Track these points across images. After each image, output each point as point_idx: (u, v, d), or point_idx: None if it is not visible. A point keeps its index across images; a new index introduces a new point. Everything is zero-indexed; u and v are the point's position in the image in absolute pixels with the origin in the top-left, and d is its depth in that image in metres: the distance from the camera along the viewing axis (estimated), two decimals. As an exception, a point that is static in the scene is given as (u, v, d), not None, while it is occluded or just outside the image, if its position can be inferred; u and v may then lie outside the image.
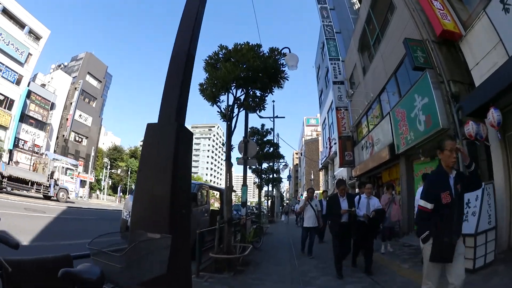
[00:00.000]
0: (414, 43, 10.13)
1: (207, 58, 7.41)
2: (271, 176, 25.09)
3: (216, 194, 12.22)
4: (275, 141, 18.89)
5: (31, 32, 39.20)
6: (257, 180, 15.94)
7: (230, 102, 7.46)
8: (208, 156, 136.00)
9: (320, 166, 36.52)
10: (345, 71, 22.76)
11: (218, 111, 7.55)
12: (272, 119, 19.37)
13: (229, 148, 7.01)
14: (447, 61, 9.23)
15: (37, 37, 40.35)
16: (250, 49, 6.98)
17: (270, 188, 27.17)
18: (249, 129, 15.49)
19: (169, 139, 2.86)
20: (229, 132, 7.21)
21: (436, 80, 9.33)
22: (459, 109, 8.42)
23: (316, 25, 38.80)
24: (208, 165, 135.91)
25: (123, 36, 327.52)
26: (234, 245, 7.62)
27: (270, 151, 15.58)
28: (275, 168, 26.29)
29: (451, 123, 8.81)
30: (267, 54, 7.28)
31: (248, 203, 46.45)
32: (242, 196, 9.06)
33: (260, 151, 14.99)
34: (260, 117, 17.06)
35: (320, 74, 36.97)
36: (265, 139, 15.34)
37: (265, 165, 22.70)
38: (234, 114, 7.46)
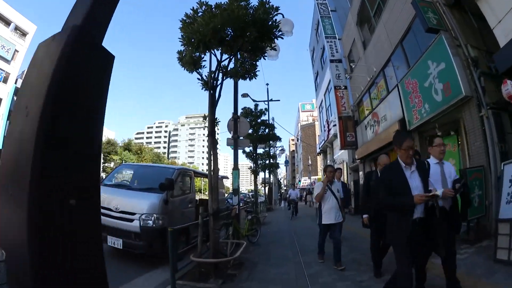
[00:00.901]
0: (424, 3, 8.97)
1: (184, 18, 5.88)
2: (267, 162, 23.78)
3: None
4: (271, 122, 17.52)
5: (17, 28, 38.10)
6: (252, 165, 14.55)
7: (214, 68, 5.99)
8: (203, 146, 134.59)
9: (318, 150, 35.22)
10: (343, 48, 21.48)
11: (198, 79, 6.07)
12: (266, 103, 17.99)
13: (212, 121, 5.57)
14: (460, 25, 8.30)
15: (23, 33, 39.32)
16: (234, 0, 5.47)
17: (267, 175, 25.84)
18: (241, 110, 14.08)
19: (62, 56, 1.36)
20: (212, 102, 5.76)
21: (452, 44, 8.18)
22: (481, 75, 7.51)
23: (310, 5, 37.08)
24: (203, 154, 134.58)
25: (115, 24, 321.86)
26: (224, 241, 6.26)
27: (265, 132, 14.13)
28: (271, 153, 24.94)
29: (473, 90, 7.74)
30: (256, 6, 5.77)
31: (245, 191, 45.28)
32: (234, 182, 7.70)
33: (255, 133, 13.57)
34: (254, 100, 15.71)
35: (315, 56, 35.71)
36: (259, 120, 13.90)
37: (260, 151, 21.41)
38: (219, 83, 5.98)
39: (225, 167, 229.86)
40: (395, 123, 11.80)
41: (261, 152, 23.62)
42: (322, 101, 32.34)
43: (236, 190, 7.58)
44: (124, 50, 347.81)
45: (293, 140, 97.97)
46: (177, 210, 6.61)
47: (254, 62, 6.42)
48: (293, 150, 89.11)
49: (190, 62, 5.88)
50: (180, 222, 6.42)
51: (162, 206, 6.07)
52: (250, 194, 51.87)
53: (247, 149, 14.14)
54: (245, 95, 14.71)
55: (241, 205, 15.07)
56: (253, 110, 14.11)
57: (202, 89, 6.21)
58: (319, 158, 54.91)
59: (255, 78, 6.56)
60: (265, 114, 14.67)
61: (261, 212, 19.38)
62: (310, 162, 53.11)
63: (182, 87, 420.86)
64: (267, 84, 28.26)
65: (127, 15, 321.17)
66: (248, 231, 7.50)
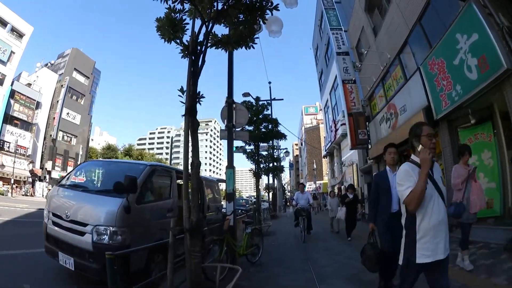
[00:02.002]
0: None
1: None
2: (271, 165, 22.06)
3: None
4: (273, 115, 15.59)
5: (13, 29, 37.92)
6: (253, 167, 12.71)
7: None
8: (206, 152, 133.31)
9: (325, 152, 33.46)
10: (349, 40, 19.96)
11: (177, 43, 4.29)
12: (269, 102, 16.31)
13: (193, 95, 3.87)
14: (486, -8, 7.00)
15: (20, 35, 39.07)
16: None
17: (271, 179, 24.03)
18: (241, 103, 12.36)
19: None
20: (194, 70, 4.01)
21: (483, 12, 6.99)
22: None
23: (312, 4, 35.46)
24: (206, 160, 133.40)
25: (118, 34, 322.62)
26: (211, 265, 4.52)
27: (269, 128, 12.30)
28: (275, 155, 23.18)
29: (514, 62, 6.38)
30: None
31: (246, 197, 43.60)
32: (227, 183, 5.97)
33: (256, 130, 11.85)
34: (256, 100, 14.07)
35: (319, 54, 34.36)
36: (261, 115, 12.16)
37: (263, 153, 19.71)
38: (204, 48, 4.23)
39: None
40: (419, 113, 10.14)
41: (264, 154, 21.95)
42: (327, 100, 30.79)
43: (231, 195, 5.84)
44: (128, 57, 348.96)
45: (296, 144, 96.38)
46: (148, 222, 4.89)
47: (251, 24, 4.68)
48: (297, 155, 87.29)
49: (167, 24, 4.10)
50: (152, 238, 4.76)
51: (122, 215, 4.39)
52: (253, 200, 50.23)
53: (248, 149, 12.48)
54: (246, 94, 13.17)
55: (240, 213, 13.32)
56: (254, 104, 12.40)
57: (182, 57, 4.46)
58: (325, 162, 53.22)
59: (253, 47, 4.82)
60: (267, 109, 12.93)
61: (264, 220, 17.60)
62: (315, 166, 51.21)
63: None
64: (270, 83, 26.62)
65: (130, 22, 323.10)
66: (247, 248, 5.74)
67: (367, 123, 15.97)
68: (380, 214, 4.27)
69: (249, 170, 12.82)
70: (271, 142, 13.01)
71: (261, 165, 21.33)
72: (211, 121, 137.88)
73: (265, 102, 12.94)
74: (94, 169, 6.23)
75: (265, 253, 7.01)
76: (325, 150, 32.66)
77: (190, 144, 3.85)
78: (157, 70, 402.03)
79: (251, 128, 11.91)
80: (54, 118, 44.94)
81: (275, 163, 22.29)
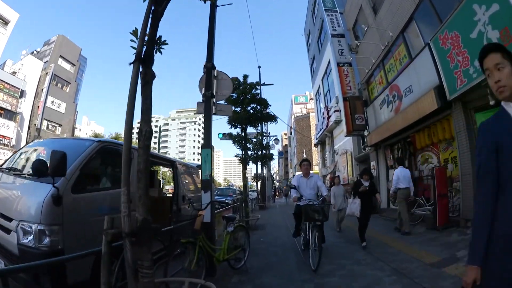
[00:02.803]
0: None
1: None
2: (259, 153, 20.77)
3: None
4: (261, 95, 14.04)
5: None
6: (240, 152, 11.23)
7: None
8: (194, 141, 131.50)
9: (316, 141, 32.27)
10: (345, 22, 18.69)
11: None
12: (257, 82, 14.94)
13: (151, 38, 2.50)
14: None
15: (5, 22, 37.30)
16: None
17: (260, 168, 22.74)
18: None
19: None
20: (156, 9, 2.62)
21: None
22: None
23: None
24: (195, 150, 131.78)
25: (107, 21, 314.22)
26: (177, 280, 3.22)
27: (257, 109, 10.85)
28: (264, 143, 21.86)
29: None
30: None
31: (235, 187, 42.81)
32: (203, 168, 4.64)
33: (243, 111, 10.47)
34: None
35: (311, 40, 33.17)
36: (248, 95, 10.73)
37: (250, 130, 18.40)
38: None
39: (217, 163, 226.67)
40: (429, 92, 8.96)
41: (253, 141, 20.62)
42: (319, 87, 29.62)
43: (207, 183, 4.49)
44: (116, 42, 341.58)
45: (286, 134, 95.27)
46: (93, 217, 3.56)
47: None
48: (286, 145, 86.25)
49: None
50: (101, 239, 3.43)
51: (50, 208, 3.09)
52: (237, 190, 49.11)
53: (235, 132, 11.10)
54: (234, 79, 11.79)
55: (226, 204, 11.83)
56: (241, 81, 10.98)
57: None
58: (315, 151, 52.17)
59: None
60: (256, 89, 11.51)
61: (252, 211, 16.35)
62: (305, 156, 50.11)
63: (173, 81, 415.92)
64: (259, 67, 25.39)
65: (120, 8, 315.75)
66: (228, 252, 4.44)
67: (364, 107, 14.74)
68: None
69: (235, 156, 11.36)
70: (259, 125, 11.58)
71: (249, 152, 20.12)
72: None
73: (253, 82, 11.53)
74: (35, 149, 4.83)
75: (252, 253, 5.71)
76: (316, 139, 31.48)
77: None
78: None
79: (237, 109, 10.57)
80: (38, 106, 42.99)
81: (263, 151, 21.03)
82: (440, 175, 8.34)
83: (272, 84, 25.46)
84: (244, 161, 10.82)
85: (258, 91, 11.30)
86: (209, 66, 5.15)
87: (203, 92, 5.11)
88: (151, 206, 5.78)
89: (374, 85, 14.37)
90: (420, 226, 8.81)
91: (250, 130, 14.16)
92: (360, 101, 14.92)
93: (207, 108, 4.92)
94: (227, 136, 11.56)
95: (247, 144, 11.22)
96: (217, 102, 5.79)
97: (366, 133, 15.72)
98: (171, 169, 6.44)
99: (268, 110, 11.17)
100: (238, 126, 10.56)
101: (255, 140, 20.55)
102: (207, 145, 4.72)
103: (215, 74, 5.88)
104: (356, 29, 16.82)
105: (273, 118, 11.07)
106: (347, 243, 7.47)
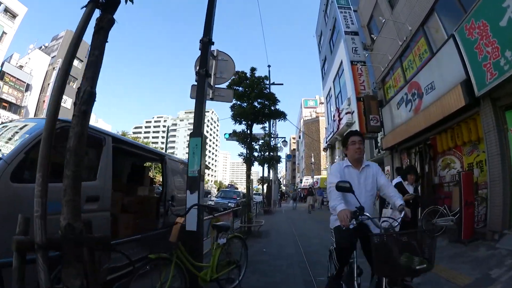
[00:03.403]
0: None
1: None
2: (266, 154, 19.87)
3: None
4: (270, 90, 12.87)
5: (6, 10, 36.10)
6: (244, 151, 10.22)
7: None
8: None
9: (325, 144, 31.22)
10: (360, 19, 17.87)
11: None
12: (266, 76, 14.04)
13: None
14: None
15: (13, 15, 37.24)
16: None
17: (266, 170, 21.83)
18: (234, 75, 10.04)
19: None
20: None
21: None
22: None
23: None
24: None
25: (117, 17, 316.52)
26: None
27: (265, 104, 9.82)
28: (271, 144, 20.94)
29: None
30: None
31: (239, 190, 41.89)
32: (190, 162, 3.75)
33: (249, 105, 9.55)
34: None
35: (323, 41, 32.41)
36: (256, 90, 9.81)
37: (258, 130, 17.57)
38: None
39: (224, 165, 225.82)
40: (455, 88, 8.04)
41: (260, 141, 19.73)
42: (330, 89, 28.72)
43: (194, 181, 3.59)
44: (126, 47, 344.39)
45: (294, 138, 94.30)
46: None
47: None
48: (294, 149, 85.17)
49: None
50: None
51: None
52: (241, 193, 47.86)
53: (239, 129, 10.21)
54: (241, 73, 10.91)
55: (227, 208, 10.77)
56: (249, 74, 10.07)
57: None
58: (323, 156, 51.08)
59: None
60: (265, 84, 10.51)
61: (256, 216, 15.41)
62: (313, 160, 49.08)
63: (182, 82, 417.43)
64: (269, 66, 24.48)
65: (129, 12, 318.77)
66: (218, 270, 3.50)
67: (379, 108, 13.76)
68: None
69: (239, 155, 10.38)
70: (267, 123, 10.62)
71: (256, 153, 19.21)
72: (208, 112, 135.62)
73: (262, 76, 10.61)
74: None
75: (252, 268, 4.80)
76: (326, 142, 30.45)
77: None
78: (157, 58, 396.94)
79: (244, 104, 9.66)
80: (44, 101, 42.71)
81: (271, 153, 20.10)
82: (467, 181, 7.34)
83: (282, 84, 24.57)
84: (248, 161, 9.89)
85: (266, 86, 10.34)
86: (206, 41, 4.29)
87: (196, 71, 4.25)
88: (138, 207, 4.93)
89: (390, 84, 13.39)
90: (442, 239, 7.81)
91: (257, 130, 13.34)
92: (375, 101, 13.93)
93: (200, 88, 4.04)
94: (233, 137, 10.67)
95: (252, 143, 10.29)
96: (216, 86, 4.93)
97: (380, 136, 14.74)
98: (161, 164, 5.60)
99: (276, 107, 10.24)
100: (243, 122, 9.66)
101: (262, 141, 19.73)
102: (197, 133, 3.84)
103: (215, 54, 5.03)
104: (371, 26, 15.94)
105: (281, 115, 10.12)
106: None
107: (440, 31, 9.74)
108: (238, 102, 9.77)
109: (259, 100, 9.82)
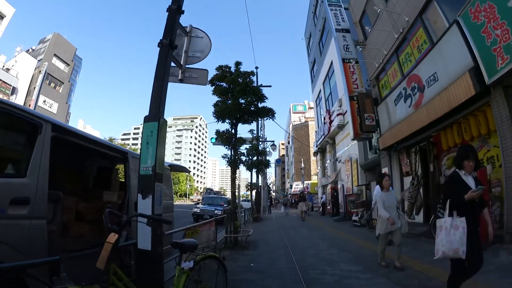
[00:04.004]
0: None
1: None
2: (254, 158, 18.85)
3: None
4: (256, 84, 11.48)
5: None
6: (228, 152, 8.95)
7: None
8: (191, 149, 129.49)
9: (316, 149, 30.39)
10: (351, 16, 17.12)
11: None
12: (253, 71, 13.02)
13: None
14: None
15: (0, 16, 36.62)
16: None
17: (254, 176, 20.74)
18: (217, 69, 9.03)
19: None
20: None
21: None
22: None
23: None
24: (191, 157, 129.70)
25: (106, 21, 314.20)
26: None
27: (251, 100, 8.64)
28: (260, 147, 19.91)
29: None
30: None
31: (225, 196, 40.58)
32: (143, 156, 2.71)
33: (233, 102, 8.46)
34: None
35: (312, 43, 32.10)
36: (240, 80, 8.71)
37: (246, 134, 16.53)
38: None
39: (213, 172, 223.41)
40: (463, 77, 7.32)
41: (248, 146, 18.68)
42: (320, 91, 28.06)
43: (147, 181, 2.56)
44: (114, 49, 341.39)
45: (283, 144, 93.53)
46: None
47: None
48: (283, 155, 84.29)
49: None
50: None
51: None
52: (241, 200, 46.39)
53: (223, 129, 9.08)
54: (225, 67, 9.78)
55: (215, 215, 9.75)
56: (232, 69, 9.00)
57: None
58: (313, 161, 50.24)
59: None
60: (253, 82, 9.45)
61: (244, 223, 14.32)
62: (303, 165, 48.20)
63: (170, 89, 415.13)
64: (257, 68, 23.56)
65: (117, 16, 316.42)
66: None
67: (374, 107, 12.90)
68: None
69: (222, 157, 9.08)
70: (254, 122, 9.49)
71: (243, 158, 18.14)
72: (196, 118, 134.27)
73: (248, 71, 9.56)
74: None
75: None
76: (316, 146, 29.63)
77: None
78: (145, 63, 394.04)
79: (229, 102, 8.59)
80: (29, 105, 40.95)
81: (259, 157, 19.07)
82: (481, 178, 6.46)
83: (270, 86, 23.58)
84: (233, 163, 8.80)
85: (253, 81, 9.27)
86: (174, 8, 3.31)
87: (160, 41, 3.23)
88: (97, 215, 3.87)
89: (386, 80, 12.55)
90: None
91: (245, 133, 12.31)
92: (369, 99, 13.09)
93: (162, 60, 3.03)
94: (217, 137, 9.54)
95: (238, 144, 9.19)
96: (187, 66, 3.93)
97: (374, 137, 13.90)
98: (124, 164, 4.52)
99: (264, 104, 9.20)
100: (227, 120, 8.61)
101: (250, 145, 18.68)
102: (153, 116, 2.81)
103: (188, 30, 4.04)
104: (364, 22, 15.18)
105: (269, 113, 9.05)
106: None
107: (440, 20, 9.02)
108: (221, 99, 8.74)
109: (244, 98, 8.77)
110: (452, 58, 7.90)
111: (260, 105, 9.28)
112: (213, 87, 8.96)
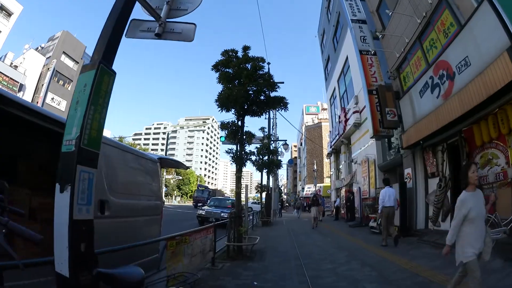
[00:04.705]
0: None
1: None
2: (266, 158, 17.79)
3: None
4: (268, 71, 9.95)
5: (2, 8, 35.59)
6: (233, 147, 7.84)
7: None
8: (202, 150, 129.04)
9: (330, 149, 29.13)
10: (368, 4, 16.01)
11: None
12: (263, 58, 11.92)
13: None
14: None
15: (8, 13, 36.63)
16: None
17: (265, 177, 19.67)
18: (222, 55, 7.97)
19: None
20: None
21: None
22: None
23: None
24: (202, 158, 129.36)
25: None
26: None
27: (261, 88, 7.49)
28: (271, 146, 18.84)
29: None
30: None
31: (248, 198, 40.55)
32: (69, 122, 1.70)
33: (242, 90, 7.33)
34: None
35: (326, 40, 31.05)
36: (248, 65, 7.61)
37: (253, 147, 15.74)
38: None
39: (224, 174, 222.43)
40: (500, 58, 6.10)
41: (258, 146, 17.61)
42: (334, 90, 26.91)
43: (66, 163, 1.59)
44: (128, 52, 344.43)
45: (295, 146, 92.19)
46: None
47: None
48: (295, 157, 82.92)
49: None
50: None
51: None
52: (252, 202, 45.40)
53: (227, 119, 7.98)
54: (232, 51, 8.70)
55: (221, 219, 8.89)
56: (240, 52, 7.92)
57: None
58: (326, 163, 48.82)
59: None
60: (263, 69, 8.34)
61: (253, 227, 13.25)
62: (315, 167, 46.88)
63: (183, 89, 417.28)
64: (269, 63, 22.53)
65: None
66: None
67: (396, 101, 11.71)
68: None
69: (227, 152, 7.79)
70: (264, 114, 8.30)
71: (253, 158, 17.09)
72: (208, 119, 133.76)
73: (259, 57, 8.43)
74: None
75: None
76: (330, 147, 28.37)
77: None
78: (157, 64, 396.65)
79: (234, 86, 7.48)
80: (37, 102, 41.04)
81: (271, 156, 17.98)
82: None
83: (283, 83, 22.48)
84: (239, 160, 7.72)
85: (263, 66, 8.16)
86: None
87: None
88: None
89: (408, 71, 11.35)
90: (493, 257, 5.67)
91: (256, 132, 11.22)
92: (391, 91, 11.88)
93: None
94: (226, 136, 8.48)
95: (245, 139, 8.04)
96: (168, 20, 2.96)
97: (395, 134, 12.70)
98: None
99: (276, 93, 8.09)
100: (232, 110, 7.54)
101: (260, 144, 17.62)
102: (90, 64, 1.81)
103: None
104: (381, 11, 14.02)
105: (281, 103, 7.93)
106: None
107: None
108: (227, 87, 7.68)
109: (252, 85, 7.70)
110: (485, 39, 6.78)
111: (271, 94, 8.22)
112: (218, 73, 7.92)
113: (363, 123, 17.59)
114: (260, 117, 8.36)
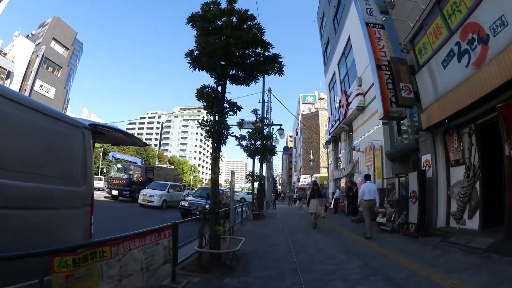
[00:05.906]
0: None
1: None
2: (258, 144, 16.07)
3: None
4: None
5: None
6: (209, 117, 5.98)
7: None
8: (196, 139, 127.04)
9: (328, 137, 27.41)
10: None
11: None
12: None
13: None
14: None
15: None
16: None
17: (257, 164, 17.89)
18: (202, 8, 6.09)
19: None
20: None
21: None
22: None
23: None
24: (197, 148, 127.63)
25: (111, 16, 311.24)
26: None
27: (253, 49, 5.72)
28: (265, 130, 17.07)
29: None
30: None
31: (239, 189, 38.17)
32: None
33: (226, 40, 5.40)
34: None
35: (325, 23, 29.33)
36: (233, 18, 5.76)
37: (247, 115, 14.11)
38: None
39: (219, 164, 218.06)
40: None
41: (250, 129, 15.84)
42: (334, 73, 25.22)
43: None
44: (122, 40, 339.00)
45: (291, 136, 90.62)
46: None
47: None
48: (291, 147, 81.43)
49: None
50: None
51: None
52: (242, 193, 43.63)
53: (208, 84, 5.95)
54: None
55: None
56: (225, 7, 6.02)
57: None
58: (323, 153, 47.22)
59: None
60: (253, 21, 6.41)
61: (241, 222, 11.53)
62: (312, 157, 45.34)
63: (177, 78, 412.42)
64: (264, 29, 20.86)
65: (121, 5, 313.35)
66: None
67: (411, 76, 9.98)
68: None
69: (200, 123, 5.79)
70: (253, 80, 6.39)
71: (244, 142, 15.31)
72: (203, 108, 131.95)
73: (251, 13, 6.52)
74: None
75: None
76: (329, 134, 26.63)
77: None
78: (150, 55, 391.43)
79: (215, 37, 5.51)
80: (25, 90, 39.97)
81: (265, 142, 16.23)
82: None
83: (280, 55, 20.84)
84: (217, 136, 5.78)
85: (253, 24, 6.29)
86: None
87: None
88: None
89: (425, 42, 9.56)
90: None
91: (249, 116, 9.44)
92: (405, 65, 10.13)
93: None
94: (208, 108, 6.35)
95: (227, 108, 6.11)
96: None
97: (408, 114, 11.04)
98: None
99: (269, 52, 6.18)
100: (210, 71, 5.66)
101: (253, 127, 15.87)
102: None
103: None
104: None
105: (274, 62, 6.05)
106: None
107: None
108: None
109: (237, 40, 5.84)
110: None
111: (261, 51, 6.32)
112: (195, 29, 6.01)
113: (367, 106, 15.87)
114: (248, 85, 6.48)
